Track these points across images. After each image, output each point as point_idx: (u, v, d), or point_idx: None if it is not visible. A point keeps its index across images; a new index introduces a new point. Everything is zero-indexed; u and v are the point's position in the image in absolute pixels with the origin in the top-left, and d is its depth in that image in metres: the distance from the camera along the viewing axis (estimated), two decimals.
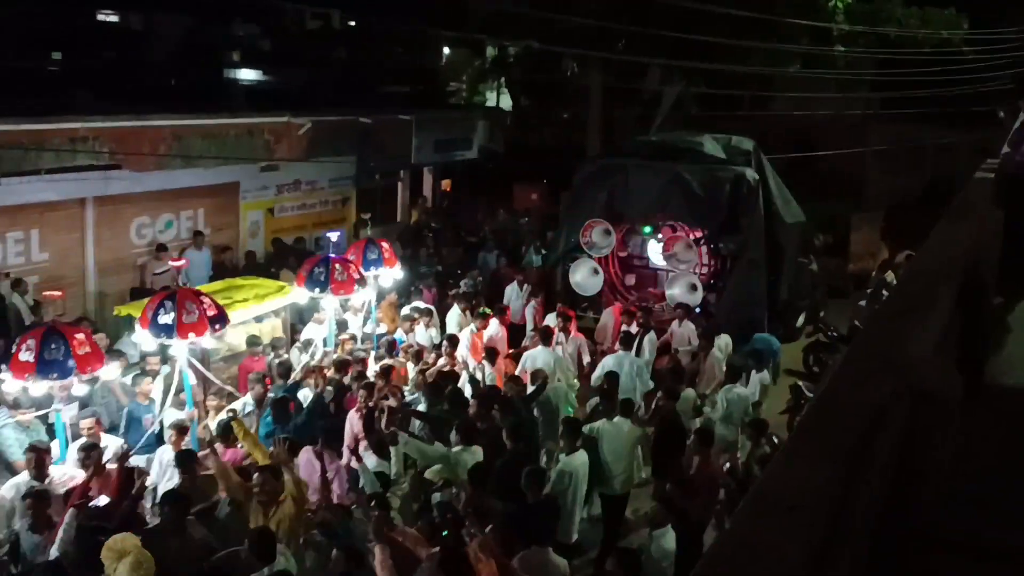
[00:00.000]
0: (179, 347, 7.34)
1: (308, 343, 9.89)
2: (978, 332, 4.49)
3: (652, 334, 10.63)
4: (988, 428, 4.18)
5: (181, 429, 7.14)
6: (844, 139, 19.03)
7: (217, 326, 7.41)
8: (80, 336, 7.03)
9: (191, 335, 7.19)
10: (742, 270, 11.97)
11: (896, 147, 19.36)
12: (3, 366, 6.81)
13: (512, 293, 12.25)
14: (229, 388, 8.51)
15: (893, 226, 17.28)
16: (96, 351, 7.14)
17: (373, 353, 9.64)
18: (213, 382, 8.34)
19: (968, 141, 17.89)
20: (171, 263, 8.36)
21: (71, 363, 6.80)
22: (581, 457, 7.15)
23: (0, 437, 7.14)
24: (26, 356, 6.68)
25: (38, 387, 6.74)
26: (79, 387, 7.28)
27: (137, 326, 7.56)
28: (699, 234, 12.60)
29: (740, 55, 16.04)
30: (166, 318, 7.12)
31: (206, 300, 7.50)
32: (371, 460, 7.40)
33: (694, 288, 12.04)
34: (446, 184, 20.95)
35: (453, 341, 9.68)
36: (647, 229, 13.19)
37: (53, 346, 6.74)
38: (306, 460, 7.07)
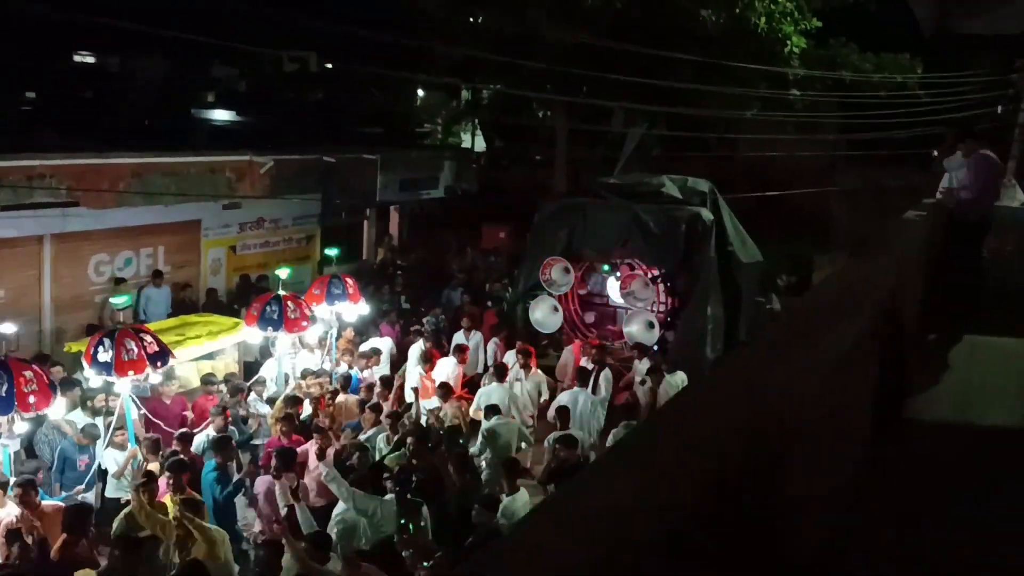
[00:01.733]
0: (121, 384, 7.28)
1: (262, 381, 9.82)
2: (893, 368, 4.54)
3: (608, 371, 10.65)
4: (902, 462, 4.22)
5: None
6: (808, 181, 19.37)
7: (159, 363, 7.36)
8: (28, 373, 6.94)
9: (130, 373, 7.13)
10: (694, 307, 12.07)
11: (846, 188, 19.71)
12: None
13: (459, 339, 11.74)
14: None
15: None
16: (44, 389, 7.04)
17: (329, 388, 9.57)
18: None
19: (929, 182, 18.20)
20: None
21: (13, 400, 6.73)
22: (523, 498, 7.08)
23: None
24: None
25: None
26: (20, 424, 7.18)
27: (84, 362, 7.52)
28: (656, 272, 12.72)
29: (701, 98, 16.38)
30: (105, 356, 7.10)
31: (148, 338, 7.46)
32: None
33: (651, 326, 12.09)
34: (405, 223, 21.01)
35: (386, 382, 9.66)
36: (606, 267, 13.30)
37: None
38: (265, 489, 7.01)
